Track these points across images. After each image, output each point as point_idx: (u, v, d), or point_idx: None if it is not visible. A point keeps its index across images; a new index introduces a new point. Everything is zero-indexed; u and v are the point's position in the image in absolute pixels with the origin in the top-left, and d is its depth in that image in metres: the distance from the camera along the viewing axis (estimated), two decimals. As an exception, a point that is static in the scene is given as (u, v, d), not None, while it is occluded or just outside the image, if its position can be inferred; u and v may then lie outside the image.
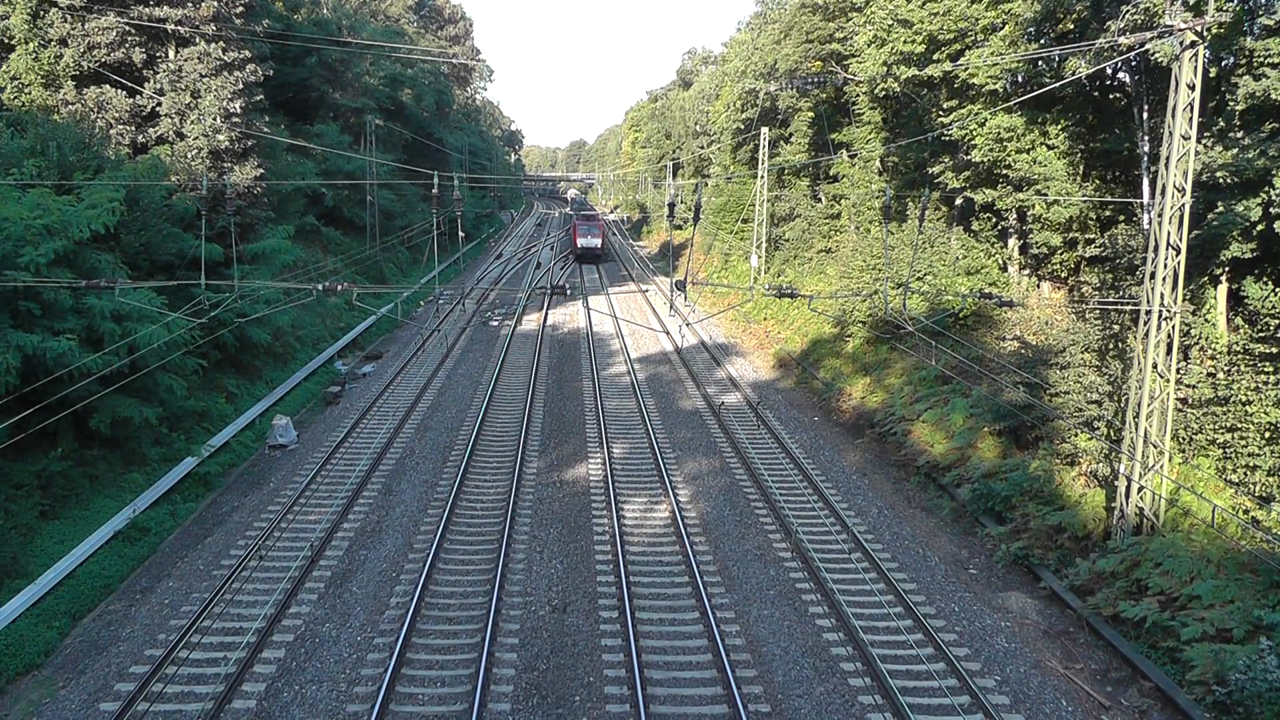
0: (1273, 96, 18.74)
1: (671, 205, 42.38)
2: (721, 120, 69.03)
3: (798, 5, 48.99)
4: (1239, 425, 18.56)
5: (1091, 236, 27.16)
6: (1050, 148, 27.58)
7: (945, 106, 32.04)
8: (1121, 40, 18.37)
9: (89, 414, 20.61)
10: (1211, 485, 18.98)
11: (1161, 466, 18.37)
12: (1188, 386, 19.99)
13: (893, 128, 39.70)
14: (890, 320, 26.06)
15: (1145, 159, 25.32)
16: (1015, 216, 31.65)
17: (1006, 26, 28.78)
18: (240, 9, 36.86)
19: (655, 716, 14.05)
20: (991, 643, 16.48)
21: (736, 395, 33.74)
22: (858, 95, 40.81)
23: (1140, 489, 18.35)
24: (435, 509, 22.00)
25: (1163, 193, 17.64)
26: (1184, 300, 19.24)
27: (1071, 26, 26.68)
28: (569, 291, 56.19)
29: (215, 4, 34.61)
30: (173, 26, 33.55)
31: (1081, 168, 28.06)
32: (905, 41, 31.72)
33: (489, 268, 69.85)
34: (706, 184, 72.66)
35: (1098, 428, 20.96)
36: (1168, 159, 17.47)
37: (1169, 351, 18.13)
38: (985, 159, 29.16)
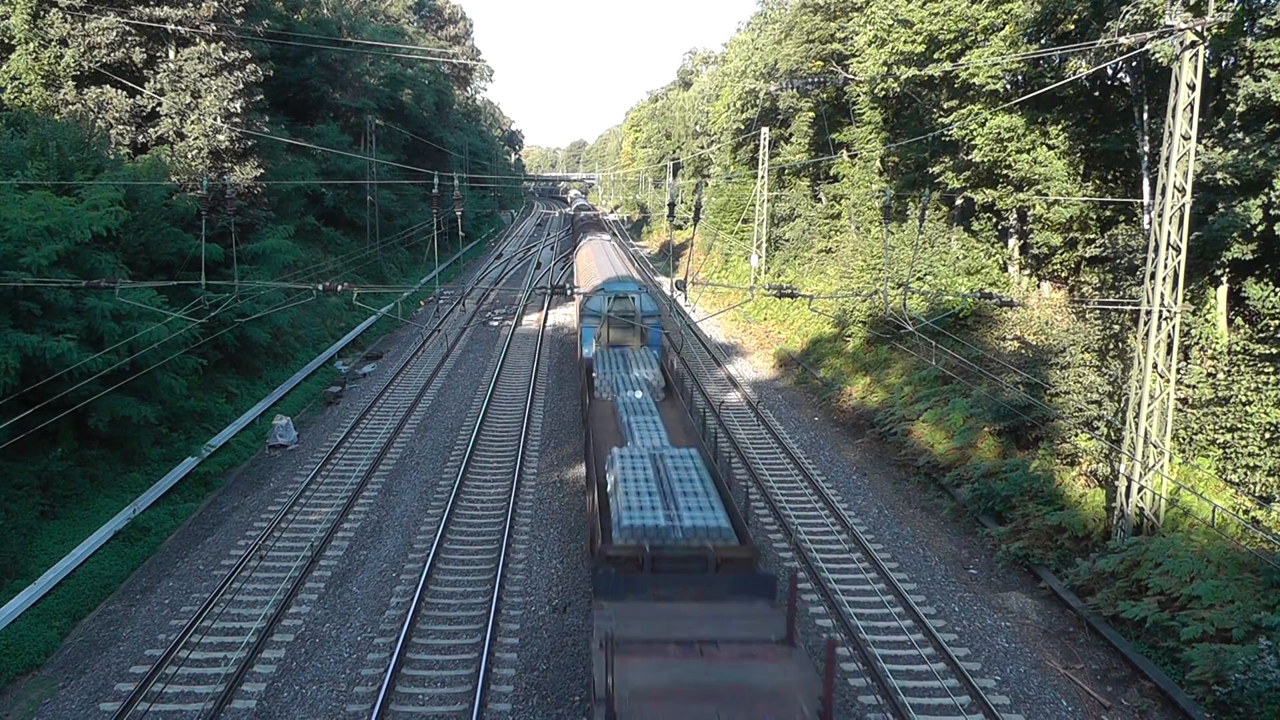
0: (1273, 97, 18.73)
1: (671, 205, 42.37)
2: (722, 120, 69.02)
3: (798, 5, 49.02)
4: (1239, 425, 18.56)
5: (1092, 237, 27.17)
6: (1050, 148, 27.60)
7: (945, 106, 32.04)
8: (1122, 40, 18.37)
9: (89, 414, 20.61)
10: (1211, 485, 18.97)
11: (1161, 466, 18.37)
12: (1188, 386, 19.99)
13: (893, 128, 39.70)
14: (890, 320, 26.05)
15: (1145, 159, 25.32)
16: (1015, 216, 31.66)
17: (1007, 27, 28.80)
18: (240, 9, 36.86)
19: (655, 716, 14.05)
20: (992, 643, 16.49)
21: (737, 394, 33.74)
22: (858, 95, 40.80)
23: (1140, 489, 18.35)
24: (435, 509, 22.00)
25: (1163, 193, 17.64)
26: (1184, 300, 19.24)
27: (1072, 27, 26.69)
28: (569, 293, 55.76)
29: (215, 4, 34.62)
30: (173, 26, 33.56)
31: (1082, 168, 28.06)
32: (905, 41, 31.75)
33: (489, 268, 69.84)
34: (707, 184, 72.66)
35: (1098, 428, 20.96)
36: (1168, 159, 17.48)
37: (1169, 352, 18.13)
38: (985, 159, 29.17)
